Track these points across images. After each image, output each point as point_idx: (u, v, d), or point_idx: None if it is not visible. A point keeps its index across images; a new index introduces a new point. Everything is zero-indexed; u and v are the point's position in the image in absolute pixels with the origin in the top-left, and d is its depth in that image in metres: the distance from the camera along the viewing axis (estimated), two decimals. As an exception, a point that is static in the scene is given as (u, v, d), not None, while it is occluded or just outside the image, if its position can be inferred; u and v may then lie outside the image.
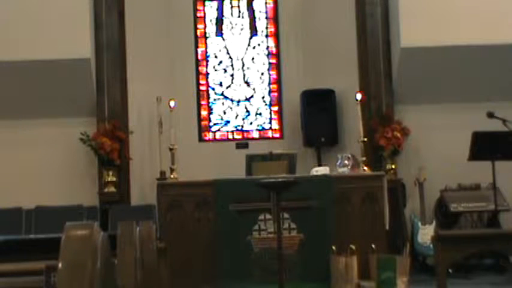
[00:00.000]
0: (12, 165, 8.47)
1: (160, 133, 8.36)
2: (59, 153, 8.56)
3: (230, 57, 9.53)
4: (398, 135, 8.49)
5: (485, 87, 8.62)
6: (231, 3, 9.60)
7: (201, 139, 9.38)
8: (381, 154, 8.57)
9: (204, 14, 9.56)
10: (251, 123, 9.48)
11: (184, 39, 9.38)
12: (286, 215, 6.76)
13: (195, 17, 9.53)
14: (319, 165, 8.46)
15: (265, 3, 9.62)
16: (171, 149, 7.83)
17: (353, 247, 6.56)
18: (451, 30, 8.30)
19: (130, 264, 2.71)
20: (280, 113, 9.47)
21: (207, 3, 9.57)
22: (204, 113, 9.44)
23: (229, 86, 9.51)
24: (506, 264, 7.81)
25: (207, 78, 9.48)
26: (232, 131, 9.46)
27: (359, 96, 7.83)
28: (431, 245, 6.04)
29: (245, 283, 6.64)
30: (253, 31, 9.60)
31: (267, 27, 9.61)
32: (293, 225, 6.84)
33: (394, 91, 8.81)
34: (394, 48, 8.74)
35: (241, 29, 9.59)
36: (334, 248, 6.62)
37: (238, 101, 9.51)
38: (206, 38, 9.52)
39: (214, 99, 9.47)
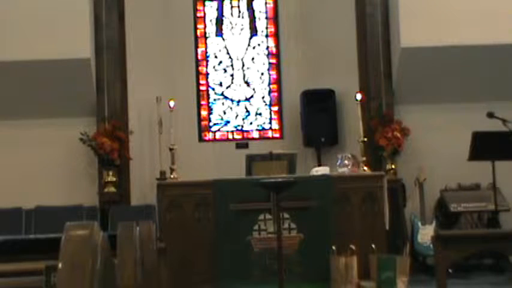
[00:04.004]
0: (12, 165, 8.47)
1: (160, 133, 8.36)
2: (59, 153, 8.56)
3: (230, 57, 9.53)
4: (398, 135, 8.49)
5: (485, 87, 8.62)
6: (231, 3, 9.60)
7: (201, 139, 9.38)
8: (381, 154, 8.56)
9: (204, 14, 9.56)
10: (251, 123, 9.48)
11: (184, 39, 9.38)
12: (286, 215, 6.77)
13: (195, 17, 9.52)
14: (319, 165, 8.46)
15: (265, 3, 9.62)
16: (171, 149, 7.83)
17: (353, 247, 6.56)
18: (451, 30, 8.31)
19: (130, 264, 2.71)
20: (280, 113, 9.47)
21: (207, 3, 9.57)
22: (204, 113, 9.43)
23: (229, 86, 9.51)
24: (506, 264, 7.81)
25: (207, 78, 9.47)
26: (232, 131, 9.46)
27: (359, 96, 7.83)
28: (431, 245, 6.04)
29: (245, 283, 6.65)
30: (253, 31, 9.60)
31: (267, 27, 9.60)
32: (293, 225, 6.84)
33: (394, 91, 8.81)
34: (394, 48, 8.74)
35: (241, 29, 9.59)
36: (334, 248, 6.62)
37: (238, 101, 9.51)
38: (206, 38, 9.52)
39: (214, 99, 9.47)
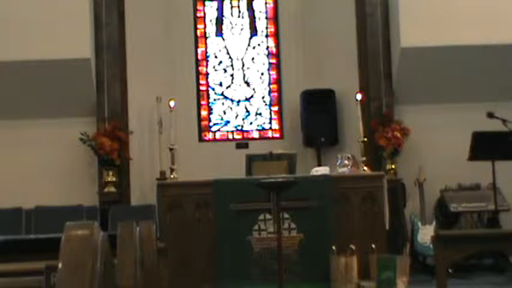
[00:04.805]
0: (12, 165, 8.48)
1: (160, 133, 8.37)
2: (59, 153, 8.56)
3: (230, 57, 9.54)
4: (398, 135, 8.49)
5: (485, 87, 8.62)
6: (231, 3, 9.60)
7: (201, 139, 9.39)
8: (380, 154, 8.57)
9: (204, 14, 9.56)
10: (251, 123, 9.48)
11: (184, 39, 9.39)
12: (286, 215, 6.76)
13: (195, 17, 9.53)
14: (319, 165, 8.46)
15: (265, 3, 9.62)
16: (171, 149, 7.84)
17: (353, 247, 6.56)
18: (451, 30, 8.31)
19: (130, 264, 2.71)
20: (280, 113, 9.47)
21: (207, 3, 9.57)
22: (204, 113, 9.44)
23: (229, 86, 9.51)
24: (506, 264, 7.81)
25: (207, 78, 9.48)
26: (232, 131, 9.46)
27: (359, 96, 7.84)
28: (431, 245, 6.04)
29: (245, 283, 6.64)
30: (253, 31, 9.60)
31: (267, 27, 9.61)
32: (293, 225, 6.84)
33: (394, 91, 8.81)
34: (394, 48, 8.74)
35: (241, 29, 9.59)
36: (334, 248, 6.62)
37: (238, 101, 9.51)
38: (206, 38, 9.53)
39: (214, 99, 9.47)
